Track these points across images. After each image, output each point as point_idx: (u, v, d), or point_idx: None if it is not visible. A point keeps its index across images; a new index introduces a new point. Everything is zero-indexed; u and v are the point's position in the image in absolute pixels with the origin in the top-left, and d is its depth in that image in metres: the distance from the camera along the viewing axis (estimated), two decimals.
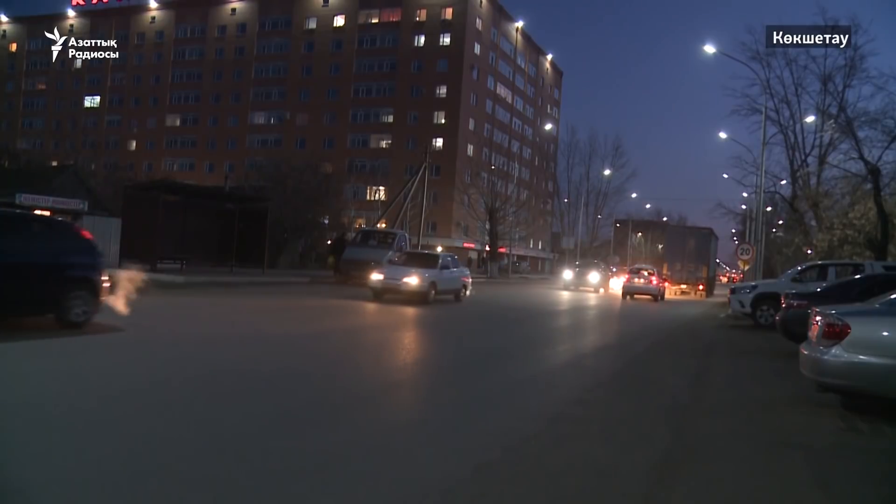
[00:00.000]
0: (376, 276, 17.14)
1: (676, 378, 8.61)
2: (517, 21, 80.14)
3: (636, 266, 36.64)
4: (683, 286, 37.52)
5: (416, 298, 16.60)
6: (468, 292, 20.05)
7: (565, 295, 29.25)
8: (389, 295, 16.95)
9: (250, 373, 6.97)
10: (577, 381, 8.06)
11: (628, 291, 30.02)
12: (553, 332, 14.62)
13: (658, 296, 29.76)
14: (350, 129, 71.89)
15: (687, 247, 39.10)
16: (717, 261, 61.42)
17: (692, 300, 34.31)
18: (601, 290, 33.76)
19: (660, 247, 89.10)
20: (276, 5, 76.08)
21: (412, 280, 16.59)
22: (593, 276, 34.20)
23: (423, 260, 18.57)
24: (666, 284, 33.25)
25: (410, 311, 15.27)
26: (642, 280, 30.08)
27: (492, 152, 69.65)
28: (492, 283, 37.72)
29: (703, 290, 38.02)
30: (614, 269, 50.38)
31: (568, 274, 35.85)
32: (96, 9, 77.87)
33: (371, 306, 15.73)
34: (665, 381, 8.28)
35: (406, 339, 11.58)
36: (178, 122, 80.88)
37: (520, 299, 25.01)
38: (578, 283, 34.03)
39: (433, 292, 17.04)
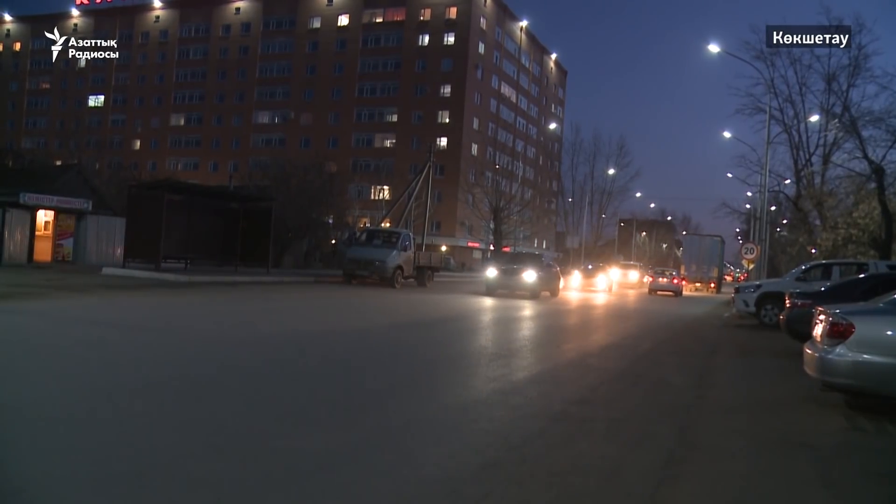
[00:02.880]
0: None
1: (681, 378, 8.61)
2: (522, 20, 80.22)
3: (659, 268, 44.41)
4: (698, 284, 44.97)
5: None
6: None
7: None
8: None
9: None
10: None
11: (653, 288, 36.40)
12: None
13: (678, 293, 35.88)
14: (354, 129, 71.96)
15: (701, 251, 46.58)
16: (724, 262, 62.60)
17: (705, 296, 41.57)
18: (545, 294, 24.16)
19: (664, 246, 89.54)
20: (280, 5, 76.16)
21: None
22: (528, 276, 22.65)
23: None
24: (684, 283, 40.12)
25: None
26: (665, 279, 36.79)
27: (496, 151, 69.62)
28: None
29: (713, 287, 46.78)
30: (590, 267, 43.59)
31: (492, 273, 23.40)
32: (100, 8, 78.27)
33: None
34: (669, 381, 8.28)
35: None
36: (182, 122, 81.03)
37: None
38: (510, 285, 22.97)
39: None
